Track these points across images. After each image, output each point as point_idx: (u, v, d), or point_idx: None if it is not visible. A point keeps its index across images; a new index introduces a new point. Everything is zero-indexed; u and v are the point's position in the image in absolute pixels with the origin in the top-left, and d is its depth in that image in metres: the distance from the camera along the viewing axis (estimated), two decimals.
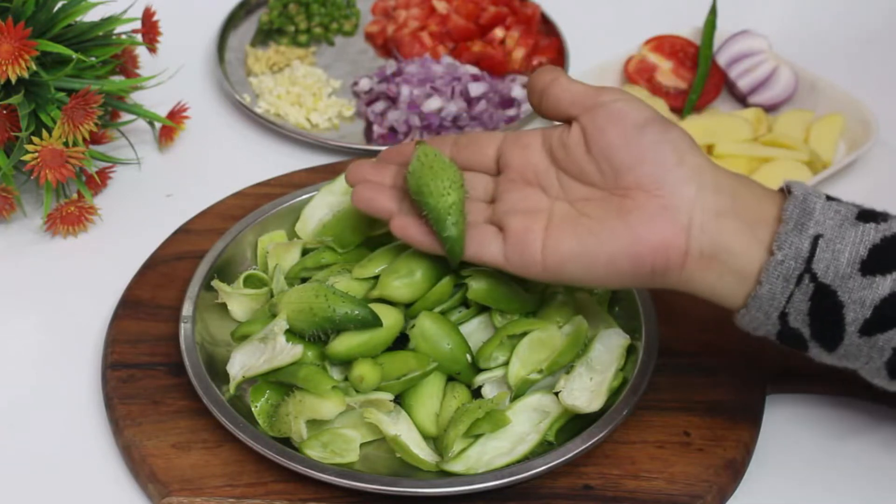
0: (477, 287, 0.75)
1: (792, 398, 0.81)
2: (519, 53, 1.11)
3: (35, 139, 0.86)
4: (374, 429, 0.74)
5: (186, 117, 1.01)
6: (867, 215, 0.66)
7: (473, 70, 1.08)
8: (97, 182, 0.94)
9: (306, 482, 0.72)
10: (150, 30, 1.00)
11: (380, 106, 1.05)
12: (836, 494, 0.76)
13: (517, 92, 1.07)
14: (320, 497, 0.72)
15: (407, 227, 0.73)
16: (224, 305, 0.81)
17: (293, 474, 0.71)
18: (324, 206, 0.85)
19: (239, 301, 0.81)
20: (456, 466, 0.72)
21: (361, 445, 0.73)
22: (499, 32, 1.13)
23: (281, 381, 0.74)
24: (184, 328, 0.78)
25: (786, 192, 0.68)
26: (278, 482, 0.72)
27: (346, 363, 0.74)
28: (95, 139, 0.95)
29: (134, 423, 0.75)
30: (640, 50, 1.09)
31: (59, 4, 0.90)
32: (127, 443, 0.75)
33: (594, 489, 0.73)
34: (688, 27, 1.11)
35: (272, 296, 0.80)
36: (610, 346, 0.77)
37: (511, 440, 0.73)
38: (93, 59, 0.90)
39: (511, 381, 0.75)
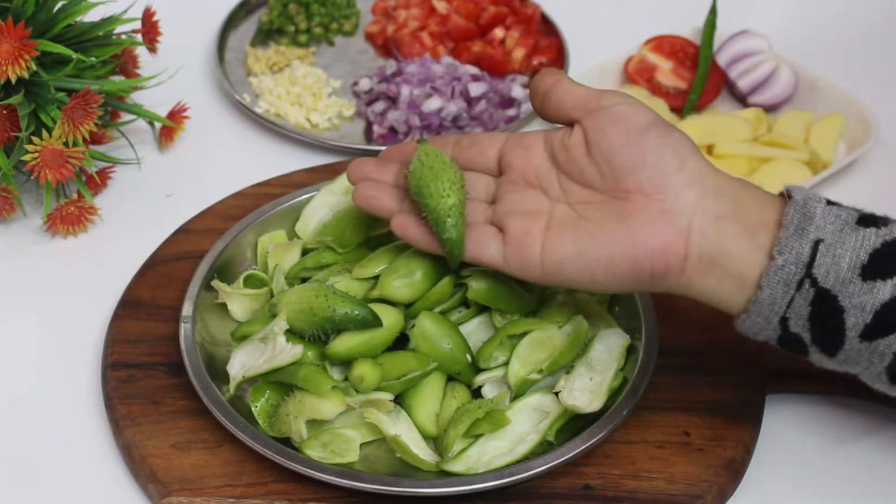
0: (477, 287, 0.75)
1: (792, 398, 0.81)
2: (519, 53, 1.11)
3: (35, 139, 0.86)
4: (374, 429, 0.74)
5: (186, 117, 1.01)
6: (868, 220, 0.66)
7: (473, 70, 1.08)
8: (97, 182, 0.94)
9: (306, 482, 0.72)
10: (150, 30, 0.99)
11: (380, 106, 1.05)
12: (836, 494, 0.76)
13: (517, 92, 1.07)
14: (320, 497, 0.72)
15: (407, 227, 0.73)
16: (224, 305, 0.81)
17: (293, 474, 0.71)
18: (324, 206, 0.85)
19: (239, 301, 0.81)
20: (456, 466, 0.72)
21: (361, 445, 0.73)
22: (499, 32, 1.13)
23: (281, 381, 0.74)
24: (184, 328, 0.78)
25: (786, 196, 0.68)
26: (278, 482, 0.72)
27: (346, 363, 0.74)
28: (95, 139, 0.95)
29: (134, 423, 0.75)
30: (640, 50, 1.09)
31: (59, 4, 0.90)
32: (127, 443, 0.75)
33: (594, 489, 0.73)
34: (688, 27, 1.11)
35: (272, 296, 0.80)
36: (610, 346, 0.77)
37: (511, 440, 0.73)
38: (93, 59, 0.90)
39: (511, 381, 0.75)
